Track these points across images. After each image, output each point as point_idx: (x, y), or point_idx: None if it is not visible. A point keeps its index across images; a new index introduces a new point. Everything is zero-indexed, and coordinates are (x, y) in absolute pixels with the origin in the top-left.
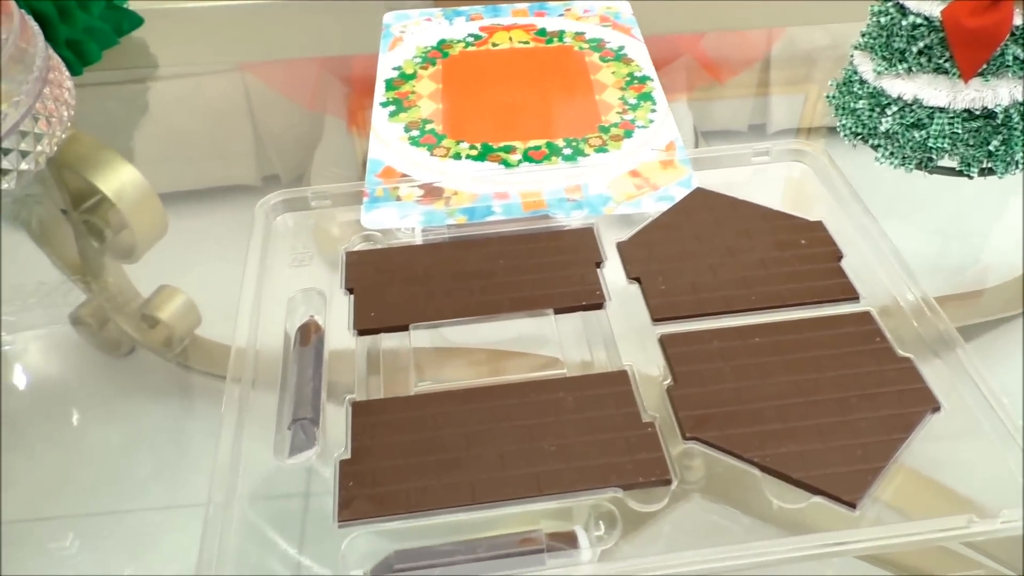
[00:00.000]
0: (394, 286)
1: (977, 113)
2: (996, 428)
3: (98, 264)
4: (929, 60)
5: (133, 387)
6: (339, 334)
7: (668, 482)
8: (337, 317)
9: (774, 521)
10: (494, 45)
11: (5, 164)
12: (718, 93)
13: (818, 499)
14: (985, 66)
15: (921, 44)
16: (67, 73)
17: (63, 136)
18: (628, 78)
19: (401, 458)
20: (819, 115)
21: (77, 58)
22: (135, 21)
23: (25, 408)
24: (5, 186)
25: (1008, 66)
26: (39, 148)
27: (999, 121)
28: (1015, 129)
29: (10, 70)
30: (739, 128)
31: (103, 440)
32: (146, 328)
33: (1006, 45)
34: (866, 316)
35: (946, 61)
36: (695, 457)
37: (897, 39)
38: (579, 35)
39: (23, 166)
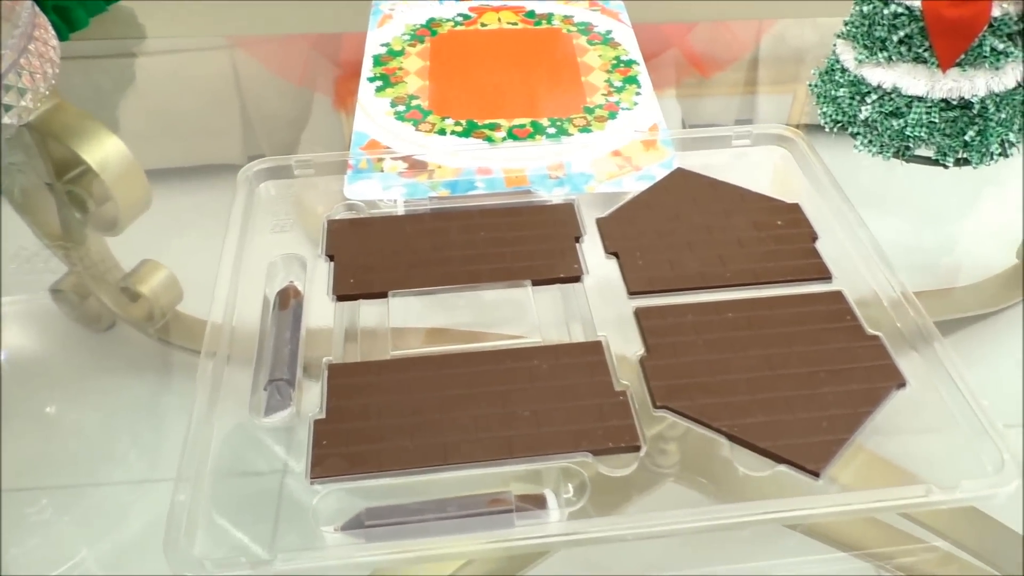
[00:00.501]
0: (374, 254)
1: (954, 103)
2: (958, 404)
3: (80, 235)
4: (909, 49)
5: (113, 361)
6: (318, 300)
7: (637, 448)
8: (317, 283)
9: (741, 492)
10: (483, 25)
11: None
12: (706, 91)
13: (783, 468)
14: (963, 56)
15: (902, 33)
16: (52, 32)
17: (47, 93)
18: (614, 61)
19: (375, 419)
20: (807, 115)
21: (64, 23)
22: None
23: (4, 379)
24: None
25: (986, 57)
26: (23, 103)
27: (975, 112)
28: (991, 120)
29: None
30: (726, 124)
31: (81, 413)
32: (127, 302)
33: (984, 36)
34: (837, 295)
35: (925, 51)
36: (670, 441)
37: (879, 28)
38: (567, 18)
39: (6, 120)
